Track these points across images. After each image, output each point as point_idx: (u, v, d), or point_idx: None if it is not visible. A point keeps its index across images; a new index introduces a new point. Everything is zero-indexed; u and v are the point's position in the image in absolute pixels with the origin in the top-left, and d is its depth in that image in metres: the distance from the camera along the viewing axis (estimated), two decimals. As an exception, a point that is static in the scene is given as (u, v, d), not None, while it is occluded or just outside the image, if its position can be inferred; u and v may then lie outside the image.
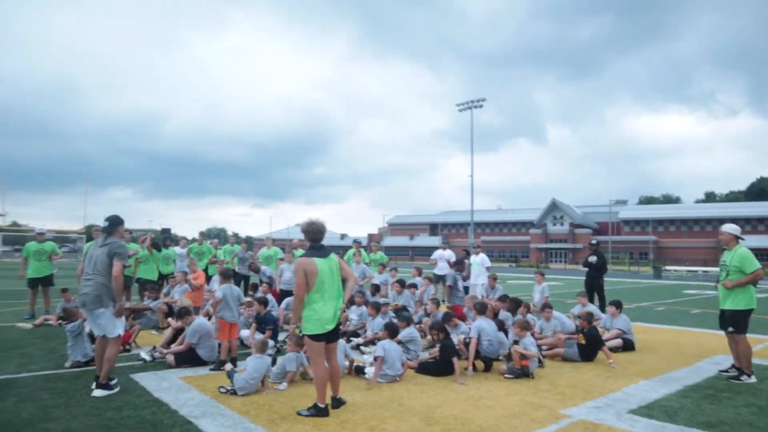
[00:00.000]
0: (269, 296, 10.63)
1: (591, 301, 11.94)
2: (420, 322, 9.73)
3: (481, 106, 50.21)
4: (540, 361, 7.49)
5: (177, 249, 14.23)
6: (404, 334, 7.81)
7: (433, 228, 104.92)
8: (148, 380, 6.42)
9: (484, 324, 7.48)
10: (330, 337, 5.26)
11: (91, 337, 7.20)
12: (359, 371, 6.86)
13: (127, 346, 8.22)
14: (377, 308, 8.92)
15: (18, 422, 4.84)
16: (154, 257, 12.17)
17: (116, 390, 5.88)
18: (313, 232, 5.42)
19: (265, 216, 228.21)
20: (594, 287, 12.89)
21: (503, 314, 9.55)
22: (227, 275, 7.67)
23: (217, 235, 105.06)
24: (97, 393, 5.74)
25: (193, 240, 14.42)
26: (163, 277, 12.45)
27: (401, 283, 11.15)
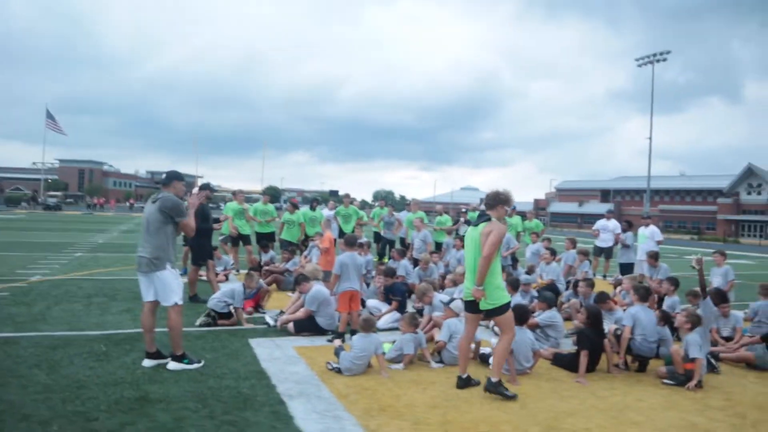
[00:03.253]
0: (405, 263, 10.16)
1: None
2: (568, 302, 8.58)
3: (664, 60, 44.66)
4: (713, 366, 6.02)
5: (325, 211, 14.38)
6: (544, 317, 6.81)
7: (605, 195, 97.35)
8: (262, 347, 6.26)
9: (640, 313, 6.16)
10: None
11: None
12: (484, 359, 6.04)
13: (259, 309, 8.29)
14: (514, 286, 7.93)
15: (130, 380, 4.87)
16: (297, 218, 12.33)
17: (195, 365, 5.33)
18: (491, 198, 5.19)
19: (431, 179, 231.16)
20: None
21: (669, 301, 8.01)
22: (350, 242, 7.24)
23: (384, 197, 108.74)
24: (171, 366, 5.27)
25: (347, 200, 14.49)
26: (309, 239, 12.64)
27: (552, 252, 9.95)
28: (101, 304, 8.27)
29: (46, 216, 40.85)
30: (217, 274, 10.92)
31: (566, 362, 5.98)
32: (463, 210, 15.60)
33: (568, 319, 8.01)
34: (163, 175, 5.78)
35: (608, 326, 6.46)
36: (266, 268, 10.94)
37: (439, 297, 7.36)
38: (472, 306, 5.08)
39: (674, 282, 8.19)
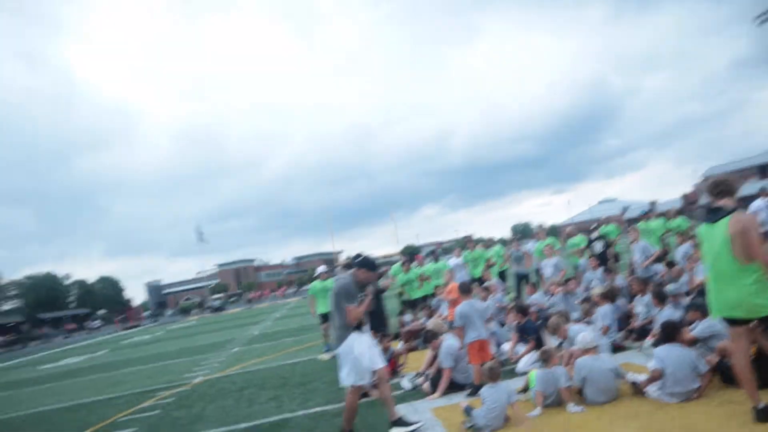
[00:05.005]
0: (537, 296, 9.55)
1: None
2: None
3: (793, 8, 39.61)
4: None
5: (452, 260, 14.13)
6: (701, 328, 5.91)
7: (763, 170, 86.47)
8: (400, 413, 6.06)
9: None
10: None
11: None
12: (638, 389, 5.33)
13: (396, 373, 8.15)
14: (661, 297, 7.05)
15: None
16: (415, 274, 12.28)
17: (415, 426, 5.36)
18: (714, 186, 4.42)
19: (564, 200, 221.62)
20: None
21: None
22: (465, 290, 6.93)
23: (522, 230, 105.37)
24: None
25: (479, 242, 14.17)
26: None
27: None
28: (251, 396, 8.62)
29: (213, 318, 44.73)
30: None
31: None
32: (593, 227, 14.49)
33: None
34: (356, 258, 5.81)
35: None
36: (406, 329, 10.84)
37: (576, 329, 6.74)
38: (736, 318, 4.25)
39: None
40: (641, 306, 7.95)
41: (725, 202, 4.28)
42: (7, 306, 72.25)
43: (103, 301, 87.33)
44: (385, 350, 8.49)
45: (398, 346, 9.31)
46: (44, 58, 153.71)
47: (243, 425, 6.86)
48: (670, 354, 4.96)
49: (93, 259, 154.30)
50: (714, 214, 4.29)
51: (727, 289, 4.20)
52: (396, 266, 12.90)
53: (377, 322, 9.17)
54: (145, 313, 78.69)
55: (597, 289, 8.11)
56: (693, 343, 5.83)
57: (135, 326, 54.89)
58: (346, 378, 5.43)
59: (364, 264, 5.60)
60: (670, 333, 5.09)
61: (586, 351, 5.56)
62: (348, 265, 5.92)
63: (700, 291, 7.75)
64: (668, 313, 6.90)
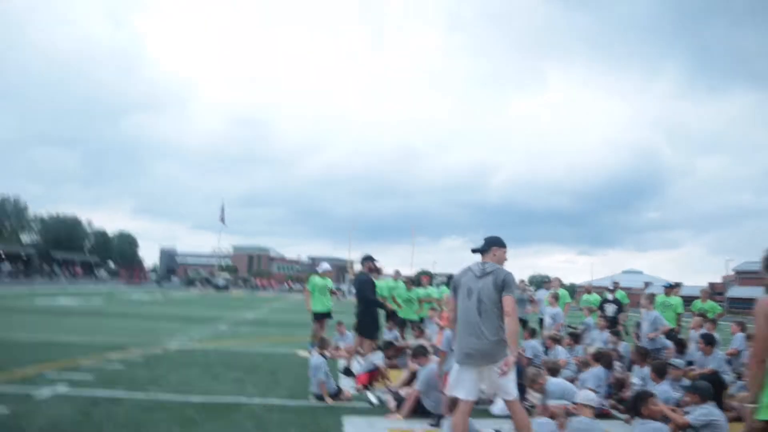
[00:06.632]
0: (534, 343, 9.06)
1: None
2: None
3: None
4: None
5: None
6: (698, 414, 5.42)
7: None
8: (354, 426, 5.69)
9: None
10: None
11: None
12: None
13: (368, 387, 7.77)
14: (660, 372, 6.54)
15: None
16: (417, 295, 11.90)
17: None
18: None
19: (589, 262, 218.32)
20: None
21: None
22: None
23: (540, 283, 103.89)
24: None
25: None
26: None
27: (707, 340, 8.20)
28: (217, 373, 8.31)
29: (214, 295, 44.79)
30: (338, 348, 10.67)
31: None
32: (611, 289, 13.88)
33: (737, 419, 6.35)
34: (482, 242, 4.94)
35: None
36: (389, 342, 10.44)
37: (557, 382, 6.28)
38: None
39: None
40: (638, 378, 7.43)
41: None
42: (27, 238, 73.59)
43: (117, 255, 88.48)
44: (389, 358, 8.15)
45: (379, 359, 8.91)
46: (128, 21, 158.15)
47: (197, 398, 6.54)
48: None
49: (120, 212, 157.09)
50: None
51: None
52: (390, 282, 12.49)
53: (368, 329, 8.85)
54: (152, 276, 79.38)
55: (592, 349, 7.62)
56: (685, 427, 5.36)
57: (138, 285, 55.41)
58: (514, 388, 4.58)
59: (499, 242, 4.91)
60: (638, 402, 4.61)
61: (583, 409, 5.13)
62: (476, 250, 5.02)
63: (708, 376, 7.21)
64: (664, 389, 6.39)
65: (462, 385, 4.47)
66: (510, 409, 4.47)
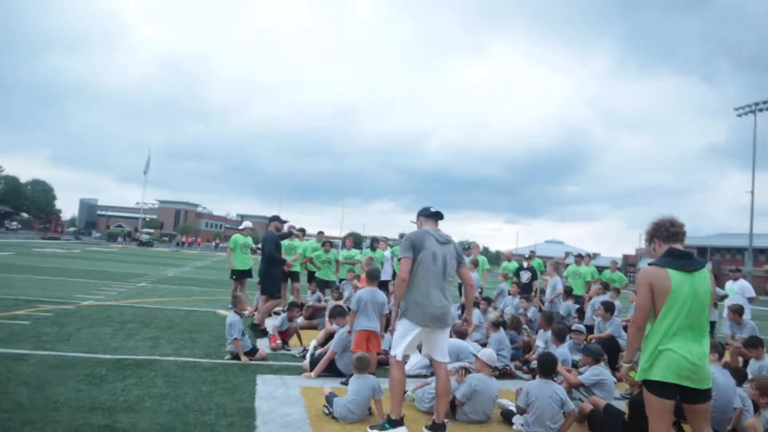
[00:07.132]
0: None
1: None
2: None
3: (768, 108, 41.40)
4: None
5: (386, 253, 13.83)
6: (589, 374, 5.88)
7: (701, 252, 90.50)
8: (267, 384, 5.79)
9: (719, 377, 5.12)
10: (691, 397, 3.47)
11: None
12: (507, 417, 5.23)
13: (284, 346, 7.89)
14: (561, 336, 7.01)
15: (108, 406, 4.54)
16: (334, 256, 12.12)
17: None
18: (666, 229, 3.75)
19: (514, 231, 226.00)
20: None
21: (755, 365, 6.77)
22: (373, 276, 6.70)
23: (463, 249, 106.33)
24: None
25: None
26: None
27: (607, 307, 8.82)
28: (131, 330, 8.16)
29: (137, 251, 43.27)
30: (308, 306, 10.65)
31: (605, 425, 5.02)
32: (527, 257, 14.52)
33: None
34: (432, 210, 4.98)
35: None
36: (309, 304, 10.56)
37: (468, 345, 6.62)
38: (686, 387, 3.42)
39: (757, 342, 6.93)
40: (541, 340, 7.93)
41: (675, 247, 3.66)
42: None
43: (31, 205, 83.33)
44: (290, 319, 8.21)
45: (299, 320, 9.02)
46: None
47: (107, 356, 6.42)
48: (540, 391, 4.83)
49: (35, 159, 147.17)
50: (690, 262, 3.61)
51: (697, 348, 3.45)
52: (313, 243, 12.57)
53: (270, 286, 8.97)
54: (70, 229, 75.56)
55: (492, 316, 8.03)
56: (577, 386, 5.81)
57: (54, 238, 52.65)
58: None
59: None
60: (547, 365, 4.98)
61: (484, 367, 5.43)
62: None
63: (606, 341, 7.80)
64: (564, 351, 6.86)
65: (411, 344, 4.66)
66: (438, 371, 4.69)
